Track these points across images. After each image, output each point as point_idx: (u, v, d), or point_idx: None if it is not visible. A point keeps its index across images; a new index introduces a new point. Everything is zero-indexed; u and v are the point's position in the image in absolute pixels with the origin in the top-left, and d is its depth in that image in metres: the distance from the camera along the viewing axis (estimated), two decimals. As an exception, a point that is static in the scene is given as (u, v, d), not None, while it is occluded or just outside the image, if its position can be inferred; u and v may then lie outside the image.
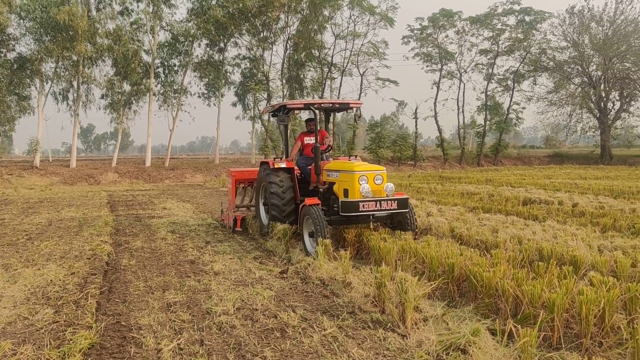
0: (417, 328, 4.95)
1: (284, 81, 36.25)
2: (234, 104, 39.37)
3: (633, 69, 40.35)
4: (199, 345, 4.66)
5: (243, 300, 5.98)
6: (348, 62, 37.58)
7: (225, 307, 5.69)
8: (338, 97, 37.42)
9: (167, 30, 34.86)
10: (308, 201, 8.37)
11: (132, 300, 6.09)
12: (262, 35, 35.30)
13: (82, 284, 6.63)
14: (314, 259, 7.38)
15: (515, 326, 4.15)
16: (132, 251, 9.07)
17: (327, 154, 10.17)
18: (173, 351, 4.53)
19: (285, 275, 7.15)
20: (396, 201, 8.08)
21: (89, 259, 8.18)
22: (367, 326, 5.09)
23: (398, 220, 8.74)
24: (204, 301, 5.99)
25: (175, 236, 10.52)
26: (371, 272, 5.78)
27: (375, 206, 7.94)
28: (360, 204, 7.86)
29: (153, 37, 33.82)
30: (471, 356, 4.14)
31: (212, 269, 7.57)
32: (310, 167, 9.76)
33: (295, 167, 9.82)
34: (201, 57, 36.75)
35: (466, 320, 5.06)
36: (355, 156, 10.33)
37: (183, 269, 7.67)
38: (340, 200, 8.11)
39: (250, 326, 5.15)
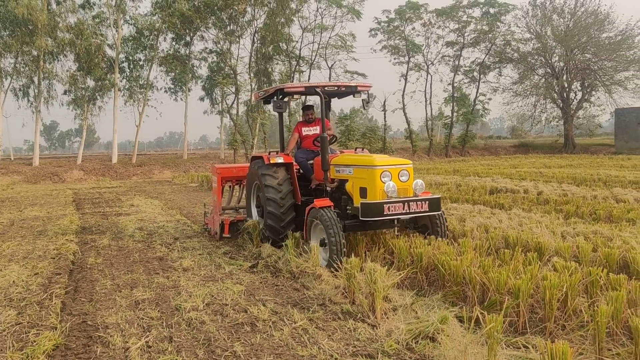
0: (387, 318, 4.99)
1: (252, 75, 35.97)
2: (202, 99, 38.98)
3: (593, 59, 41.33)
4: (167, 342, 4.61)
5: (213, 296, 5.93)
6: (316, 55, 37.54)
7: (194, 303, 5.63)
8: (307, 91, 37.30)
9: (131, 24, 34.20)
10: (318, 203, 6.97)
11: (98, 299, 5.98)
12: (228, 28, 34.91)
13: (47, 284, 6.48)
14: (335, 270, 6.14)
15: (482, 313, 4.22)
16: (98, 249, 8.90)
17: (331, 146, 8.70)
18: (141, 349, 4.46)
19: (255, 270, 7.12)
20: (427, 201, 6.72)
21: (54, 258, 7.99)
22: (337, 317, 5.11)
23: (423, 224, 7.37)
24: (173, 298, 5.92)
25: (143, 233, 10.36)
26: (341, 264, 5.80)
27: (403, 208, 6.58)
28: (385, 206, 6.48)
29: (117, 31, 33.12)
30: (439, 343, 4.21)
31: (181, 265, 7.49)
32: (311, 161, 8.41)
33: (294, 163, 8.52)
34: (167, 52, 36.19)
35: (435, 308, 5.14)
36: (362, 148, 8.96)
37: (151, 266, 7.57)
38: (360, 201, 6.71)
39: (220, 321, 5.12)
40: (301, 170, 8.54)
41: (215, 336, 4.73)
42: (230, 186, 10.22)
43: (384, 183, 6.69)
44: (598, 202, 11.02)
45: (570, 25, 40.89)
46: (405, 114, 41.73)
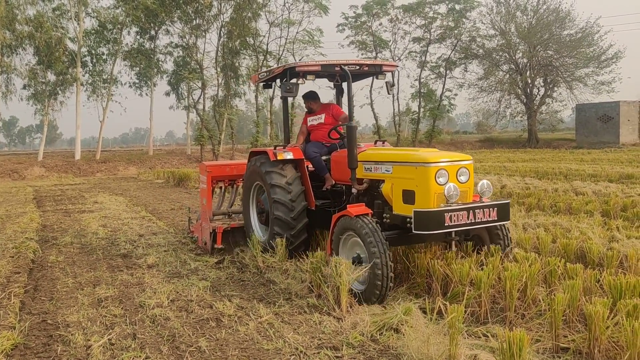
0: (352, 310, 5.03)
1: (219, 69, 35.61)
2: (168, 94, 38.36)
3: (555, 56, 42.32)
4: (131, 340, 4.55)
5: (178, 292, 5.88)
6: (283, 50, 37.38)
7: (159, 300, 5.57)
8: (275, 86, 37.12)
9: (94, 17, 33.41)
10: (353, 209, 5.45)
11: (59, 298, 5.85)
12: (194, 22, 34.44)
13: (5, 284, 6.30)
14: (369, 301, 5.13)
15: (444, 303, 4.30)
16: (60, 247, 8.70)
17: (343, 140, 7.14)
18: (103, 347, 4.39)
19: (221, 265, 7.08)
20: (495, 208, 5.33)
21: (12, 257, 7.77)
22: (303, 311, 5.13)
23: (476, 234, 5.89)
24: (137, 295, 5.84)
25: (107, 230, 10.17)
26: (307, 258, 5.81)
27: (468, 218, 5.16)
28: (446, 216, 5.04)
29: (78, 24, 32.31)
30: (403, 334, 4.27)
31: (145, 262, 7.39)
32: (325, 157, 7.09)
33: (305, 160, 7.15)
34: (131, 45, 35.50)
35: (399, 300, 5.20)
36: (383, 141, 7.39)
37: (115, 263, 7.45)
38: (413, 210, 5.14)
39: (185, 317, 5.08)
40: (312, 168, 7.19)
41: (180, 332, 4.69)
42: (221, 187, 8.75)
43: (441, 185, 5.25)
44: (559, 195, 11.33)
45: (533, 23, 41.78)
46: (373, 110, 42.02)
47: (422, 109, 43.36)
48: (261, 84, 7.90)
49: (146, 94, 37.09)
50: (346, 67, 6.43)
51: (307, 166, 7.08)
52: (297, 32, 37.20)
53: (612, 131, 37.38)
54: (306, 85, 7.03)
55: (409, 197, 5.45)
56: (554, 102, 45.22)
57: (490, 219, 5.30)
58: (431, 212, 5.07)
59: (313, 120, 7.48)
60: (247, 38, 35.86)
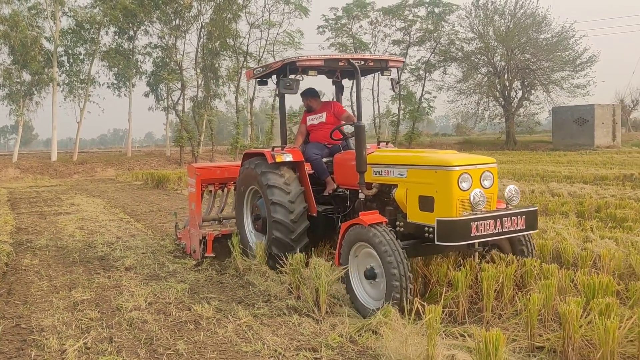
0: (332, 312, 5.05)
1: (199, 70, 35.37)
2: (147, 95, 37.89)
3: (532, 59, 42.92)
4: (107, 343, 4.50)
5: (156, 295, 5.83)
6: (264, 51, 37.26)
7: (136, 303, 5.52)
8: (255, 87, 37.03)
9: (70, 17, 32.87)
10: (366, 217, 4.96)
11: (34, 302, 5.76)
12: (174, 23, 34.14)
13: (-22, 288, 6.17)
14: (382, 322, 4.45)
15: (422, 304, 4.33)
16: (35, 250, 8.54)
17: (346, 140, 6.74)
18: (79, 351, 4.34)
19: (200, 268, 7.03)
20: (523, 216, 4.92)
21: (-14, 260, 7.61)
22: (282, 313, 5.13)
23: (495, 242, 5.55)
24: (114, 298, 5.78)
25: (84, 233, 10.03)
26: (286, 260, 5.80)
27: (495, 227, 4.73)
28: (472, 225, 4.60)
29: (55, 23, 31.77)
30: (382, 335, 4.29)
31: (123, 264, 7.31)
32: (326, 159, 6.67)
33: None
34: (109, 46, 35.01)
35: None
36: (387, 142, 7.07)
37: (92, 266, 7.35)
38: (436, 219, 4.68)
39: (162, 320, 5.04)
40: (311, 171, 6.68)
41: (158, 335, 4.65)
42: (211, 191, 8.16)
43: (464, 190, 4.79)
44: (535, 197, 11.49)
45: (511, 26, 42.32)
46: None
47: (401, 111, 43.61)
48: (255, 80, 7.39)
49: (125, 95, 36.64)
50: (350, 62, 6.04)
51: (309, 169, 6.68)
52: (277, 34, 37.14)
53: (587, 133, 38.02)
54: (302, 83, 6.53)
55: (426, 203, 4.97)
56: (531, 104, 45.92)
57: (518, 228, 4.89)
58: (456, 222, 4.62)
59: (313, 120, 7.04)
60: (227, 39, 35.67)
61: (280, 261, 5.93)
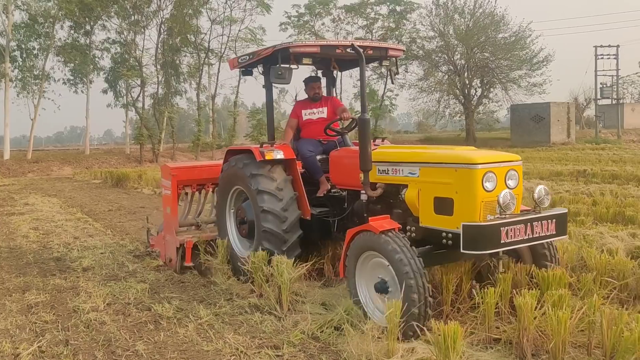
0: (294, 309, 5.05)
1: (159, 67, 34.76)
2: (105, 91, 37.05)
3: (491, 58, 43.90)
4: (63, 346, 4.39)
5: (114, 295, 5.71)
6: (226, 48, 36.93)
7: (94, 304, 5.39)
8: (217, 84, 36.67)
9: (24, 10, 31.82)
10: (377, 223, 4.43)
11: (-15, 305, 5.56)
12: (133, 18, 33.46)
13: None
14: (405, 336, 4.09)
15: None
16: (-14, 252, 8.25)
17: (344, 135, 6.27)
18: (33, 355, 4.21)
19: (161, 267, 6.91)
20: (554, 220, 4.41)
21: None
22: (244, 311, 5.10)
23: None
24: (71, 299, 5.63)
25: (39, 233, 9.73)
26: (248, 258, 5.77)
27: (526, 232, 4.22)
28: (502, 231, 4.08)
29: (7, 17, 30.69)
30: (344, 331, 4.32)
31: (80, 265, 7.12)
32: (320, 156, 6.10)
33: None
34: (65, 40, 34.07)
35: (340, 298, 5.24)
36: (383, 139, 6.67)
37: (47, 267, 7.15)
38: (462, 224, 4.12)
39: (121, 321, 4.94)
40: (302, 170, 6.04)
41: (116, 336, 4.56)
42: (187, 193, 7.30)
43: (488, 191, 4.26)
44: (493, 192, 11.74)
45: (470, 25, 43.18)
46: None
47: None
48: (240, 70, 6.63)
49: (82, 91, 35.74)
50: (347, 50, 5.47)
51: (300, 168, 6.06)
52: (239, 30, 36.86)
53: (543, 131, 39.15)
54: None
55: (444, 206, 4.43)
56: (490, 102, 47.00)
57: (549, 234, 4.38)
58: (485, 227, 4.08)
59: (311, 114, 6.37)
60: (188, 35, 35.20)
61: (240, 260, 5.81)
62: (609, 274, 5.00)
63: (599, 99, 46.04)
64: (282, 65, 5.47)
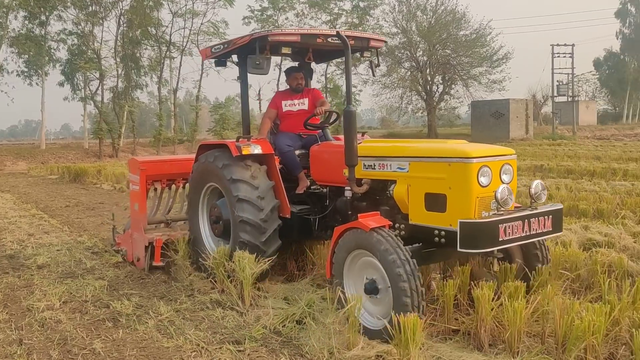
0: (256, 305, 5.04)
1: (118, 60, 33.95)
2: (62, 84, 35.92)
3: (452, 55, 44.59)
4: (17, 346, 4.27)
5: (71, 293, 5.58)
6: (187, 41, 36.35)
7: (49, 302, 5.26)
8: (179, 77, 36.06)
9: (-25, -1, 30.58)
10: (367, 220, 4.23)
11: None
12: (90, 9, 32.56)
13: None
14: (394, 343, 3.77)
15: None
16: None
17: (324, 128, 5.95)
18: (-16, 355, 4.07)
19: (120, 264, 6.78)
20: (550, 216, 4.27)
21: None
22: (205, 307, 5.06)
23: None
24: (25, 298, 5.49)
25: (-9, 230, 9.40)
26: (209, 254, 5.71)
27: (523, 229, 4.07)
28: (500, 228, 3.92)
29: (-43, 5, 29.45)
30: (305, 325, 4.34)
31: (35, 262, 6.92)
32: (299, 151, 5.87)
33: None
34: (18, 31, 32.89)
35: (303, 292, 5.26)
36: (363, 133, 6.30)
37: (0, 265, 6.91)
38: (459, 221, 3.94)
39: (78, 319, 4.84)
40: (280, 165, 5.71)
41: (73, 335, 4.46)
42: (157, 188, 6.90)
43: (483, 187, 4.09)
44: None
45: (432, 22, 43.72)
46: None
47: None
48: (213, 60, 6.36)
49: (37, 84, 34.57)
50: (328, 40, 5.27)
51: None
52: (201, 24, 36.31)
53: (503, 127, 40.00)
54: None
55: (436, 202, 4.24)
56: (451, 98, 47.69)
57: (545, 230, 4.24)
58: (483, 224, 3.91)
59: (291, 106, 6.10)
60: (149, 28, 34.50)
61: (202, 256, 5.72)
62: (562, 265, 5.16)
63: (556, 96, 47.28)
64: (260, 55, 5.23)
